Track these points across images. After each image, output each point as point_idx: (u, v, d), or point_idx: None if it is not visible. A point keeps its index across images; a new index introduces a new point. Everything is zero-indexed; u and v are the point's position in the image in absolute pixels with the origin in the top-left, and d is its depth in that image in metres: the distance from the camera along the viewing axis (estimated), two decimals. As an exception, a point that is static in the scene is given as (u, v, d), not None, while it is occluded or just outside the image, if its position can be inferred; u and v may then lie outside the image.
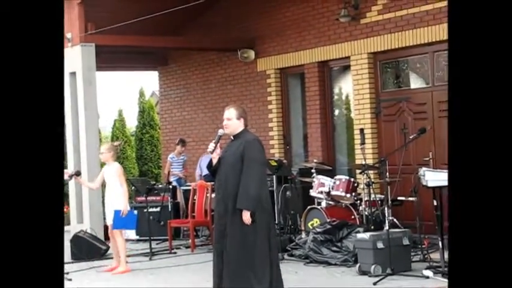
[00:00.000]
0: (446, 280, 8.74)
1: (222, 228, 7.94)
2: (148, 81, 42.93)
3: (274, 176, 13.59)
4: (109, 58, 16.96)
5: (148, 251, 12.17)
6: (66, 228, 16.11)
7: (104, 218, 11.93)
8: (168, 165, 16.14)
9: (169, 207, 14.31)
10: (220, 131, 8.20)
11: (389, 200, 10.35)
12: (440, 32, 11.83)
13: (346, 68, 14.01)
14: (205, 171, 13.69)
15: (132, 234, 13.64)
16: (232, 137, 8.17)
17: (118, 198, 10.89)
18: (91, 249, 12.30)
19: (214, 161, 8.10)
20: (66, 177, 11.23)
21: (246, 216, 7.75)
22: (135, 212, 10.98)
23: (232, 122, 8.12)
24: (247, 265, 7.80)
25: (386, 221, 9.94)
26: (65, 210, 18.72)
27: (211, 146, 8.07)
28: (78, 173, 11.64)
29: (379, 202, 11.30)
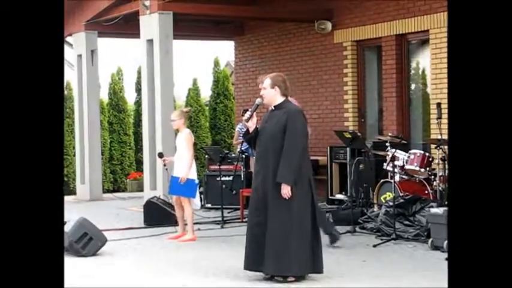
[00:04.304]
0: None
1: (259, 201, 7.88)
2: (222, 50, 42.89)
3: (347, 149, 13.55)
4: (185, 26, 17.03)
5: (220, 219, 12.24)
6: (139, 194, 16.35)
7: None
8: (236, 135, 16.15)
9: (242, 176, 14.33)
10: (258, 100, 8.12)
11: (464, 175, 10.17)
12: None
13: (425, 42, 13.80)
14: (244, 146, 13.74)
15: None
16: (273, 107, 8.08)
17: (185, 165, 10.89)
18: (163, 215, 12.38)
19: (250, 130, 8.05)
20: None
21: (286, 190, 7.68)
22: (197, 181, 10.89)
23: (267, 91, 8.03)
24: (288, 243, 7.72)
25: (461, 197, 9.78)
26: (138, 176, 19.01)
27: (248, 114, 8.00)
28: (160, 155, 11.74)
29: (454, 178, 11.14)
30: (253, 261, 7.93)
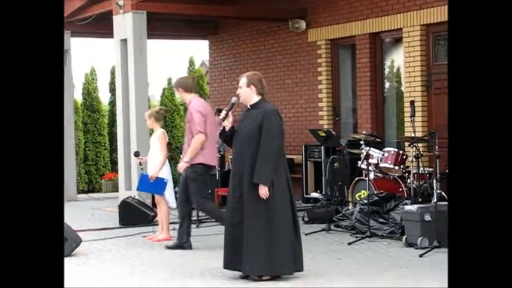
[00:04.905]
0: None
1: (236, 201, 7.87)
2: (198, 50, 42.88)
3: (322, 147, 13.58)
4: (159, 26, 17.00)
5: (196, 218, 12.21)
6: (114, 194, 16.30)
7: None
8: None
9: (217, 175, 14.31)
10: (234, 99, 8.10)
11: (437, 173, 10.25)
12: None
13: (398, 40, 13.87)
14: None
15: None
16: (249, 107, 8.07)
17: (157, 164, 10.85)
18: (139, 215, 12.36)
19: (227, 129, 8.05)
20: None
21: (263, 190, 7.66)
22: (166, 179, 10.82)
23: (242, 90, 8.02)
24: (267, 242, 7.71)
25: (435, 194, 9.85)
26: (113, 177, 18.96)
27: (223, 113, 7.98)
28: (136, 154, 11.69)
29: (428, 175, 11.21)
30: (231, 261, 7.94)
